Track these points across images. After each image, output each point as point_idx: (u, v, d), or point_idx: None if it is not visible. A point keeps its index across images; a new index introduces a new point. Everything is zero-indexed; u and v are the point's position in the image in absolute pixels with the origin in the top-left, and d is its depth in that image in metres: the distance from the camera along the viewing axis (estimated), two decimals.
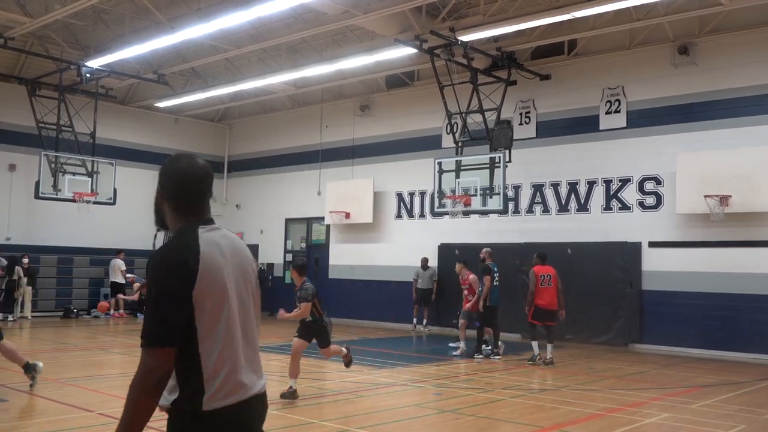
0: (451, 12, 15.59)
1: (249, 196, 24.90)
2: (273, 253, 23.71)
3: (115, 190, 19.08)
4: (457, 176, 15.88)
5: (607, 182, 16.36)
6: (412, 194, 19.93)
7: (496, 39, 16.45)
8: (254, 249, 24.19)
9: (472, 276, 13.54)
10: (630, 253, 15.70)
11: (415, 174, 19.57)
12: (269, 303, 23.23)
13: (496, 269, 13.52)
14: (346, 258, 21.30)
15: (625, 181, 16.08)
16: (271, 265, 23.69)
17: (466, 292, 13.60)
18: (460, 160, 16.01)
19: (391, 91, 20.72)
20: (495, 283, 13.41)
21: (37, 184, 18.02)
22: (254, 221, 24.43)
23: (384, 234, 20.27)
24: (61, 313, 20.37)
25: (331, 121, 22.42)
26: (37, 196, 18.23)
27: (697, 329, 14.75)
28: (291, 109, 23.46)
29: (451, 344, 14.66)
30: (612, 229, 16.11)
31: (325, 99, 22.48)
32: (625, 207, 16.05)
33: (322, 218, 21.64)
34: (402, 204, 20.17)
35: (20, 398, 8.33)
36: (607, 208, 16.33)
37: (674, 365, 13.20)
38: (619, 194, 16.17)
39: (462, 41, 15.17)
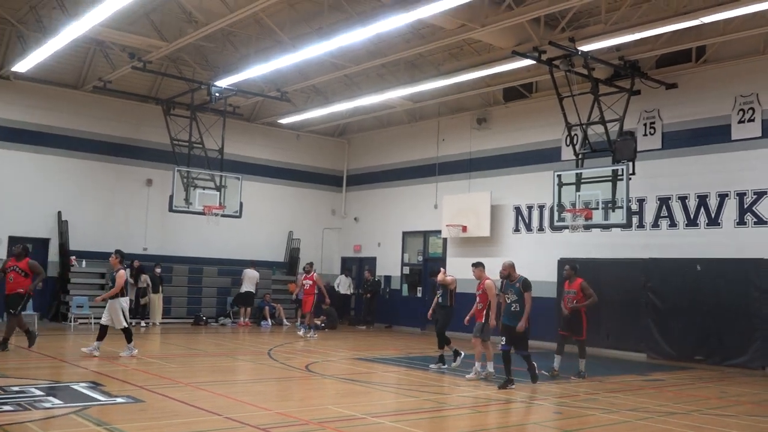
0: (571, 22, 15.29)
1: (367, 210, 25.34)
2: (390, 266, 24.00)
3: (241, 204, 19.92)
4: (578, 189, 15.49)
5: (741, 195, 15.46)
6: (530, 207, 19.63)
7: (618, 48, 15.97)
8: (372, 261, 24.57)
9: (488, 282, 12.01)
10: (767, 270, 14.73)
11: (533, 187, 19.27)
12: (386, 315, 23.58)
13: None
14: (463, 271, 21.13)
15: (761, 194, 15.14)
16: (388, 278, 23.98)
17: (478, 299, 12.10)
18: (581, 173, 15.62)
19: (508, 103, 20.53)
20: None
21: (171, 197, 19.09)
22: (372, 234, 24.83)
23: (502, 248, 20.03)
24: (191, 321, 21.46)
25: (448, 134, 22.49)
26: (170, 209, 19.31)
27: None
28: (408, 123, 23.72)
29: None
30: (746, 245, 15.19)
31: (442, 113, 22.60)
32: (761, 221, 15.10)
33: (439, 231, 21.69)
34: (520, 217, 19.89)
35: (156, 400, 8.84)
36: (741, 222, 15.42)
37: None
38: (754, 208, 15.24)
39: (582, 51, 14.83)
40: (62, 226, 20.12)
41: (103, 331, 13.00)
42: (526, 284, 11.19)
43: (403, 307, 23.30)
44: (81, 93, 20.61)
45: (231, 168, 20.77)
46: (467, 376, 12.00)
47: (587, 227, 16.09)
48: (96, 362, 12.05)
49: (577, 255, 17.84)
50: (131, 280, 19.63)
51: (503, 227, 20.20)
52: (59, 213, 20.19)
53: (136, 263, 19.88)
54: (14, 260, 13.40)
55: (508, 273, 11.35)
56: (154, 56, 17.50)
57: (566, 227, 16.25)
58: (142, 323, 19.70)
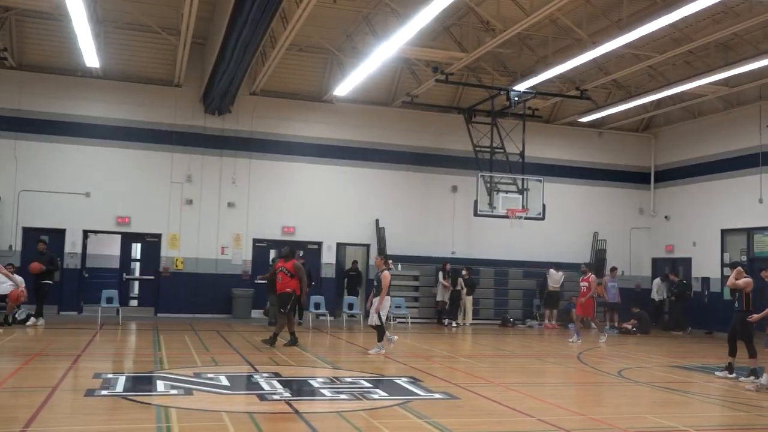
0: None
1: (679, 207, 23.69)
2: (708, 266, 22.14)
3: (543, 206, 19.92)
4: None
5: None
6: None
7: None
8: (686, 262, 22.90)
9: None
10: None
11: None
12: (706, 320, 21.74)
13: None
14: None
15: None
16: (706, 280, 22.14)
17: None
18: None
19: None
20: None
21: (475, 202, 19.77)
22: (685, 233, 23.14)
23: None
24: (498, 322, 21.97)
25: None
26: (475, 214, 20.00)
27: None
28: (723, 111, 21.72)
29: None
30: None
31: (764, 96, 20.30)
32: None
33: (767, 228, 19.47)
34: None
35: (470, 397, 9.22)
36: None
37: None
38: None
39: None
40: (380, 233, 21.93)
41: (380, 331, 13.48)
42: None
43: (725, 311, 21.23)
44: (390, 109, 22.29)
45: (532, 170, 20.87)
46: (747, 387, 10.87)
47: None
48: (413, 359, 12.93)
49: None
50: (445, 282, 20.82)
51: None
52: (377, 221, 22.03)
53: (447, 266, 20.98)
54: (282, 261, 13.95)
55: None
56: (455, 68, 18.29)
57: None
58: (453, 324, 20.65)
